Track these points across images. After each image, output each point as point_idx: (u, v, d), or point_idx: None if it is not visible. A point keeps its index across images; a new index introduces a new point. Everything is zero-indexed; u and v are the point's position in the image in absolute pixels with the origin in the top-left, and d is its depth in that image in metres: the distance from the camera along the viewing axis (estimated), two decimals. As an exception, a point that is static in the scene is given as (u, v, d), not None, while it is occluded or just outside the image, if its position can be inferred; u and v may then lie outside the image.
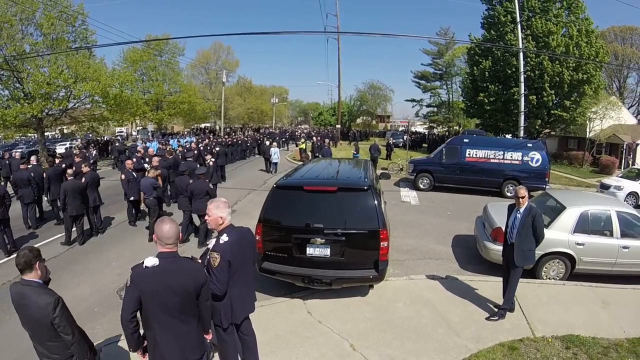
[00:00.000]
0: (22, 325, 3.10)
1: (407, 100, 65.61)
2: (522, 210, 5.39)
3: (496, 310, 5.68)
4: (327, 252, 5.62)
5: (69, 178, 9.07)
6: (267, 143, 22.10)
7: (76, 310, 5.90)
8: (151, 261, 2.82)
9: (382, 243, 5.54)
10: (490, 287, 6.47)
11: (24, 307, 2.97)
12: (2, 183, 12.07)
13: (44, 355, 3.08)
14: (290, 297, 6.06)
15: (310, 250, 5.65)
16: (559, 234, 6.98)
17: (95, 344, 4.90)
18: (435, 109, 60.13)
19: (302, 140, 27.45)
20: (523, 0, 25.87)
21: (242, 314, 3.81)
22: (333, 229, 5.57)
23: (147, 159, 13.38)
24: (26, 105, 21.44)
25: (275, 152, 20.04)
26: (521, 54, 21.92)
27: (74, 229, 9.04)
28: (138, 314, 2.89)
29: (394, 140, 34.56)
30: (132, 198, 9.76)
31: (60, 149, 30.23)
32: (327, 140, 25.89)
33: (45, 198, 11.18)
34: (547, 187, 14.41)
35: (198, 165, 11.77)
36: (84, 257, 8.30)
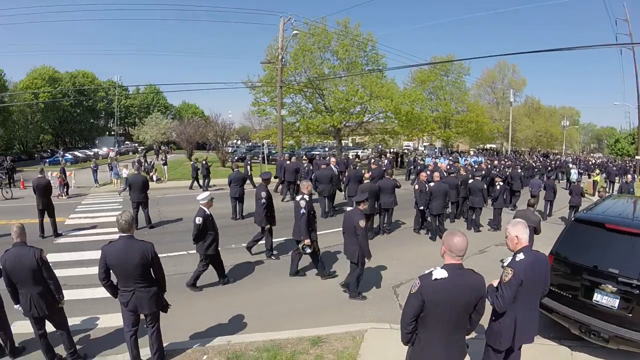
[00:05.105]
0: None
1: None
2: None
3: None
4: (615, 302, 4.63)
5: (365, 182, 10.60)
6: (570, 165, 29.73)
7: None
8: (441, 273, 2.88)
9: None
10: None
11: None
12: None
13: None
14: (559, 343, 5.34)
15: (597, 297, 4.78)
16: None
17: (362, 323, 5.75)
18: None
19: (597, 171, 23.26)
20: None
21: (522, 341, 3.67)
22: (629, 278, 4.57)
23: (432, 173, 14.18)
24: (327, 117, 26.33)
25: (574, 173, 23.18)
26: None
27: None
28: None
29: None
30: (421, 207, 10.41)
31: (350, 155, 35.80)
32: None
33: (343, 192, 13.57)
34: None
35: (485, 186, 12.35)
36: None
